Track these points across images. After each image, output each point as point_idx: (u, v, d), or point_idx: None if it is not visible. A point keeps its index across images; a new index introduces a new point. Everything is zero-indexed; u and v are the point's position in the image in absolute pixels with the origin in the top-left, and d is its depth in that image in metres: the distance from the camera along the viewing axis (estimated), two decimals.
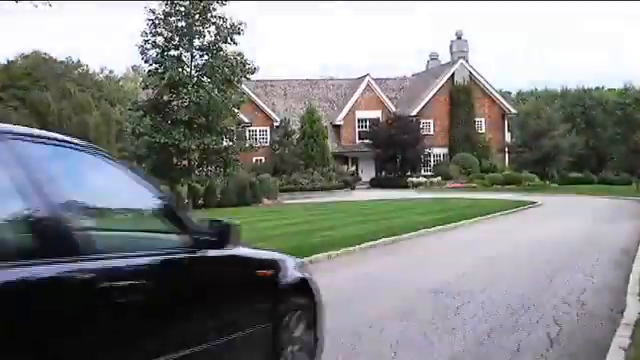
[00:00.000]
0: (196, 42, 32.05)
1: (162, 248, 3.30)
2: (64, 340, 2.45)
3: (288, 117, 50.75)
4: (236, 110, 34.76)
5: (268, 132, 51.34)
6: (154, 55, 32.14)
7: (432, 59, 60.23)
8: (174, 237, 3.34)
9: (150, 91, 34.30)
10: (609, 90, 70.74)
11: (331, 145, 50.11)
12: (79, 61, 66.56)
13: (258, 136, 50.38)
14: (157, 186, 3.54)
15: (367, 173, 52.59)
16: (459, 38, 55.76)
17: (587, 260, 10.93)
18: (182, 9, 32.16)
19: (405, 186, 45.95)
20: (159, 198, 3.41)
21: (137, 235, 3.40)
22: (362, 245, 12.82)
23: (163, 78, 31.06)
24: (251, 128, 49.91)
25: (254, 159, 47.16)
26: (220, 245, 3.49)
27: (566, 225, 17.97)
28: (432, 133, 52.97)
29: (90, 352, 2.55)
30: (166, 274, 3.17)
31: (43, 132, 3.01)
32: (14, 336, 2.30)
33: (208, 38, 32.24)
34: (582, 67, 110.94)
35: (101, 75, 72.53)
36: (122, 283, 2.76)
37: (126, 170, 3.34)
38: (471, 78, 54.17)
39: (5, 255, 2.40)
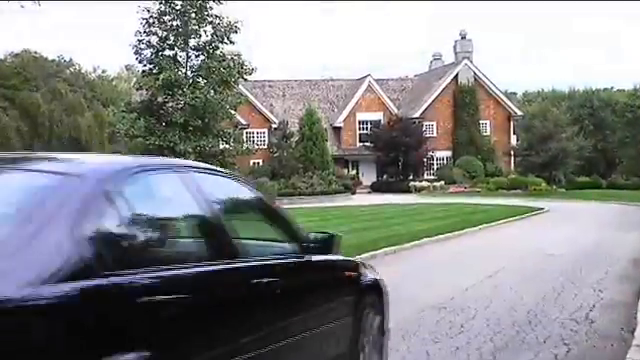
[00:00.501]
0: (192, 42, 32.03)
1: (283, 254, 4.28)
2: (228, 320, 3.42)
3: (287, 119, 50.74)
4: (233, 112, 34.73)
5: (266, 134, 51.34)
6: (148, 55, 32.10)
7: (435, 59, 60.28)
8: (291, 245, 4.35)
9: (144, 92, 34.31)
10: (618, 91, 70.73)
11: (331, 148, 50.09)
12: (71, 60, 66.57)
13: (255, 138, 50.35)
14: (274, 202, 4.91)
15: (368, 177, 52.59)
16: (463, 38, 55.80)
17: (595, 273, 10.89)
18: (178, 7, 32.14)
19: (407, 190, 45.95)
20: (279, 214, 4.52)
21: (266, 243, 4.36)
22: (363, 255, 12.77)
23: (158, 79, 31.01)
24: (248, 130, 49.88)
25: (251, 162, 47.12)
26: (326, 252, 4.54)
27: (574, 234, 17.93)
28: (435, 136, 52.98)
29: (245, 331, 3.53)
30: (288, 274, 4.14)
31: (206, 165, 4.17)
32: (205, 315, 3.22)
33: (204, 38, 32.24)
34: (589, 67, 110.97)
35: (94, 75, 72.56)
36: (265, 280, 3.75)
37: (255, 191, 4.36)
38: (475, 79, 54.17)
39: (198, 257, 3.49)
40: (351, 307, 4.70)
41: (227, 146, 33.86)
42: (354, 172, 52.79)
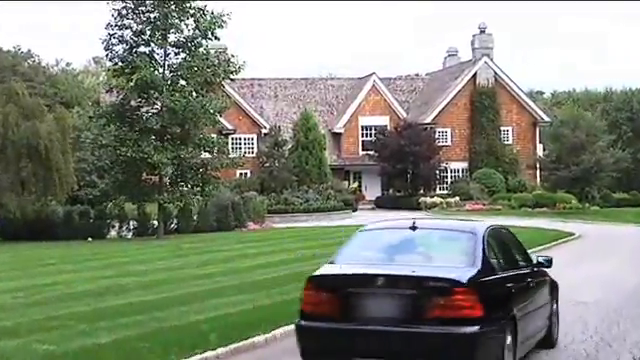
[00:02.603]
0: (171, 37, 31.95)
1: (530, 267, 9.47)
2: (528, 294, 9.09)
3: (279, 123, 50.83)
4: (218, 116, 34.67)
5: (255, 141, 51.38)
6: (121, 52, 31.99)
7: (450, 55, 60.34)
8: (529, 263, 9.56)
9: (115, 95, 34.21)
10: None
11: (329, 157, 50.19)
12: (29, 51, 66.50)
13: (243, 146, 50.36)
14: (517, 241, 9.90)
15: (372, 191, 52.65)
16: (482, 32, 55.86)
17: (637, 332, 10.85)
18: None
19: (416, 207, 45.88)
20: (522, 247, 9.83)
21: (523, 262, 9.43)
22: None
23: (131, 79, 30.89)
24: (234, 136, 49.91)
25: (238, 173, 47.09)
26: (548, 267, 9.86)
27: (610, 271, 17.95)
28: (449, 144, 53.08)
29: (531, 300, 9.03)
30: (535, 276, 9.41)
31: (501, 224, 10.08)
32: (525, 290, 8.92)
33: (186, 32, 32.16)
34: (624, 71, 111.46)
35: (56, 68, 72.48)
36: (529, 278, 9.12)
37: (514, 237, 9.80)
38: (496, 79, 54.28)
39: (517, 265, 9.30)
40: (549, 294, 9.94)
41: (209, 156, 33.77)
42: (356, 185, 52.82)
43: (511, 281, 8.30)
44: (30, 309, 12.59)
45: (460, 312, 7.20)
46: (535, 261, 9.58)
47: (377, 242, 8.60)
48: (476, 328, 7.19)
